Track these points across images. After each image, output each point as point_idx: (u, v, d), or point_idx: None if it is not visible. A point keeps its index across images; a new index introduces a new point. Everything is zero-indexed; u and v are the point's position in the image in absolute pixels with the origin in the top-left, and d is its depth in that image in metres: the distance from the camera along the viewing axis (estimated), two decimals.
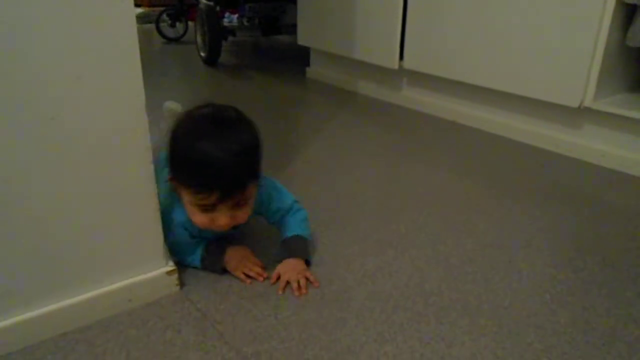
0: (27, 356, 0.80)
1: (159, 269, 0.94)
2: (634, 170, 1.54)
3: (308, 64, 2.76)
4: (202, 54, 3.08)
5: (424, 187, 1.45)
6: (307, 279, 0.96)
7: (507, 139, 1.84)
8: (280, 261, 0.99)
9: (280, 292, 0.94)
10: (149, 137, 0.84)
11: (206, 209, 0.87)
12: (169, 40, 3.94)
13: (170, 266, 0.95)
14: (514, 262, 1.09)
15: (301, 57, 2.88)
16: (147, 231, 0.91)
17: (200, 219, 0.89)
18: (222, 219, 0.88)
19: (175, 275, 0.96)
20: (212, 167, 0.82)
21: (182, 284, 0.98)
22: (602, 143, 1.62)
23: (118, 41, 0.77)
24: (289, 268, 0.97)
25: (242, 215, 0.91)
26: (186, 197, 0.89)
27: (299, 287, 0.94)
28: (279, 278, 0.97)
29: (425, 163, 1.63)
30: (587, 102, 1.57)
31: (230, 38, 3.33)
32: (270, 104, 2.30)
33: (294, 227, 1.02)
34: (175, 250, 0.97)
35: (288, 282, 0.95)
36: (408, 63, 2.10)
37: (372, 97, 2.36)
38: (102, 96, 0.77)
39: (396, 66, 2.13)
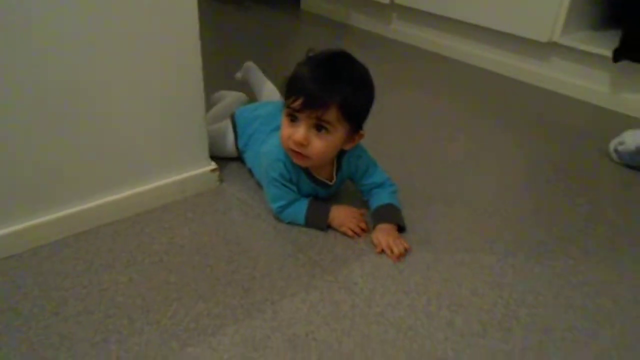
0: (114, 228, 1.05)
1: (204, 167, 1.18)
2: (592, 98, 1.80)
3: None
4: None
5: (412, 110, 1.69)
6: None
7: (484, 70, 2.07)
8: (373, 227, 1.06)
9: (395, 261, 1.00)
10: (199, 42, 1.03)
11: (292, 118, 0.97)
12: None
13: (213, 165, 1.19)
14: (486, 167, 1.36)
15: None
16: (196, 135, 1.13)
17: (284, 131, 0.99)
18: (298, 133, 0.95)
19: (217, 173, 1.20)
20: (306, 76, 0.95)
21: (222, 180, 1.21)
22: (567, 75, 1.87)
23: None
24: (384, 233, 1.03)
25: (318, 144, 0.96)
26: (284, 112, 0.99)
27: (398, 254, 1.00)
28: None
29: (412, 90, 1.86)
30: (555, 38, 1.80)
31: None
32: (265, 36, 2.44)
33: (385, 198, 1.09)
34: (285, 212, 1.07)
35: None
36: None
37: (364, 30, 2.54)
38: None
39: (387, 0, 2.30)
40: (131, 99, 1.01)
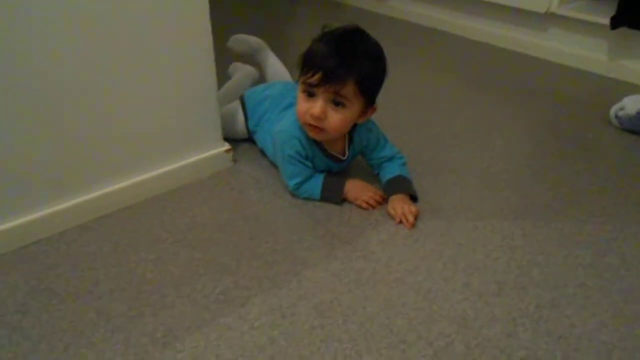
0: (135, 210, 1.08)
1: (219, 148, 1.21)
2: (591, 67, 1.83)
3: None
4: None
5: (413, 85, 1.72)
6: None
7: (482, 43, 2.09)
8: (386, 199, 1.10)
9: (409, 226, 1.04)
10: (210, 26, 1.05)
11: (310, 93, 1.00)
12: None
13: (227, 146, 1.22)
14: (490, 138, 1.39)
15: None
16: (209, 118, 1.16)
17: (301, 106, 1.01)
18: (316, 107, 0.98)
19: (231, 153, 1.23)
20: (323, 52, 0.97)
21: (235, 160, 1.24)
22: (566, 44, 1.89)
23: None
24: (400, 203, 1.07)
25: (336, 118, 1.00)
26: (300, 87, 1.02)
27: (412, 222, 1.04)
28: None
29: (412, 66, 1.88)
30: (553, 8, 1.82)
31: None
32: (260, 19, 2.44)
33: (396, 170, 1.12)
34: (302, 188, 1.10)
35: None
36: None
37: (359, 8, 2.55)
38: None
39: None
40: (146, 85, 1.03)
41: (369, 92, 1.02)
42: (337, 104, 1.00)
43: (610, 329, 0.84)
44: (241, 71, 1.49)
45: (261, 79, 1.50)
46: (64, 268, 0.93)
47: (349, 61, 0.96)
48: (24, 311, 0.84)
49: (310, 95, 1.01)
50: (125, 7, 0.94)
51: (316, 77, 0.97)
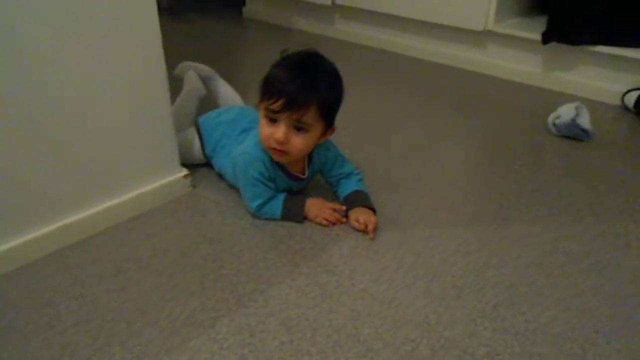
0: (96, 240, 1.07)
1: (177, 174, 1.21)
2: (528, 80, 1.95)
3: (244, 3, 2.92)
4: None
5: (365, 104, 1.78)
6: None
7: (427, 61, 2.18)
8: (346, 214, 1.12)
9: (371, 235, 1.07)
10: (162, 54, 1.07)
11: (272, 118, 1.02)
12: None
13: (185, 172, 1.22)
14: (440, 149, 1.46)
15: None
16: (166, 145, 1.17)
17: (264, 131, 1.03)
18: (279, 133, 1.00)
19: (190, 179, 1.23)
20: (284, 77, 0.99)
21: (194, 185, 1.25)
22: (503, 59, 2.01)
23: None
24: (361, 214, 1.10)
25: (299, 141, 1.02)
26: (261, 112, 1.04)
27: (372, 230, 1.08)
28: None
29: (362, 85, 1.95)
30: (490, 26, 1.94)
31: None
32: (211, 46, 2.46)
33: (353, 185, 1.17)
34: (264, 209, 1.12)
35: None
36: None
37: (308, 32, 2.61)
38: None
39: (329, 2, 2.39)
40: (101, 115, 1.03)
41: (329, 115, 1.06)
42: (299, 129, 1.03)
43: (562, 322, 0.89)
44: (186, 86, 1.48)
45: (213, 104, 1.52)
46: (24, 304, 0.91)
47: (310, 87, 0.99)
48: None
49: (273, 120, 1.03)
50: (78, 41, 0.95)
51: (278, 103, 0.99)
